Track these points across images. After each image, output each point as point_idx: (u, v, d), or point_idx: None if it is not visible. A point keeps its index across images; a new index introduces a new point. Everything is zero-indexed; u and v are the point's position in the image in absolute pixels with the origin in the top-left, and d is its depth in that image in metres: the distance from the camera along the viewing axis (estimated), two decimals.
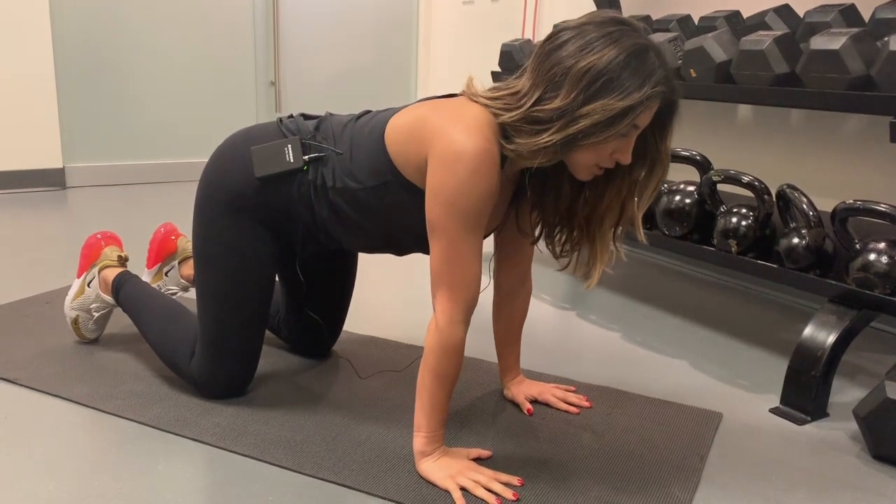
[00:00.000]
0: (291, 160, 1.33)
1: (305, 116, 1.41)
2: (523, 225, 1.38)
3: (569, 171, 1.24)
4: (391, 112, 1.31)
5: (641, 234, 1.27)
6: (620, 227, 1.30)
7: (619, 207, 1.27)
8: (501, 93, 1.18)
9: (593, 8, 2.78)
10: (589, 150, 1.14)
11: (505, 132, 1.16)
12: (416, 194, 1.23)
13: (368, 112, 1.38)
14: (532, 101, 1.13)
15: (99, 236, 1.77)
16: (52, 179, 3.48)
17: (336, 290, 1.66)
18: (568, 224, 1.33)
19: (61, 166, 3.50)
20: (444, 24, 4.14)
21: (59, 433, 1.34)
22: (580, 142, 1.12)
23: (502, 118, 1.15)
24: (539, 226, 1.37)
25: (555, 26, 1.20)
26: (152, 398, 1.47)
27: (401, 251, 1.42)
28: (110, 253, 1.73)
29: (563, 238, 1.35)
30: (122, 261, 1.73)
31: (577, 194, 1.30)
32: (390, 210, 1.29)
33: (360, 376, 1.55)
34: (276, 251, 1.42)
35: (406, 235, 1.33)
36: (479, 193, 1.14)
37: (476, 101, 1.20)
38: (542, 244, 1.40)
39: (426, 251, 1.25)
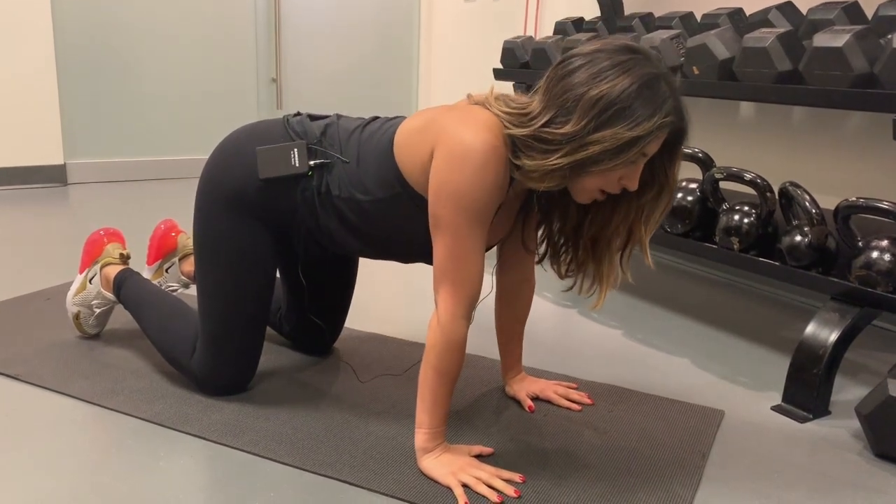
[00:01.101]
0: (297, 164, 1.32)
1: (312, 117, 1.40)
2: (528, 241, 1.38)
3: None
4: (399, 120, 1.31)
5: (649, 258, 1.27)
6: (628, 250, 1.30)
7: (627, 231, 1.27)
8: (512, 109, 1.17)
9: (595, 6, 2.77)
10: (596, 176, 1.14)
11: (514, 145, 1.16)
12: (423, 206, 1.22)
13: (377, 119, 1.37)
14: (542, 122, 1.12)
15: (101, 233, 1.77)
16: (53, 176, 3.48)
17: (337, 293, 1.66)
18: (574, 244, 1.33)
19: (62, 163, 3.49)
20: (446, 20, 4.14)
21: (61, 429, 1.34)
22: (589, 168, 1.12)
23: (511, 131, 1.15)
24: (544, 244, 1.37)
25: (564, 50, 1.19)
26: (154, 394, 1.47)
27: (405, 260, 1.42)
28: (112, 250, 1.73)
29: (569, 258, 1.35)
30: (124, 258, 1.73)
31: (583, 217, 1.30)
32: (397, 221, 1.29)
33: (360, 380, 1.55)
34: (276, 250, 1.42)
35: (411, 246, 1.33)
36: (486, 188, 1.14)
37: (488, 109, 1.20)
38: (545, 263, 1.40)
39: (430, 262, 1.25)
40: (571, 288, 1.36)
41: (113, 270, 1.69)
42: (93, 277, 1.71)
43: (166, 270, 1.85)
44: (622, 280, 1.33)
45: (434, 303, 1.21)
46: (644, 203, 1.24)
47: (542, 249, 1.38)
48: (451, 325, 1.18)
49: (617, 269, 1.31)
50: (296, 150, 1.33)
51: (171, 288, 1.84)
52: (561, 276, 1.36)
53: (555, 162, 1.11)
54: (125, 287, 1.64)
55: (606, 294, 1.31)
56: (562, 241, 1.34)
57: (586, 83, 1.09)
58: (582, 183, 1.17)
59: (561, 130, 1.10)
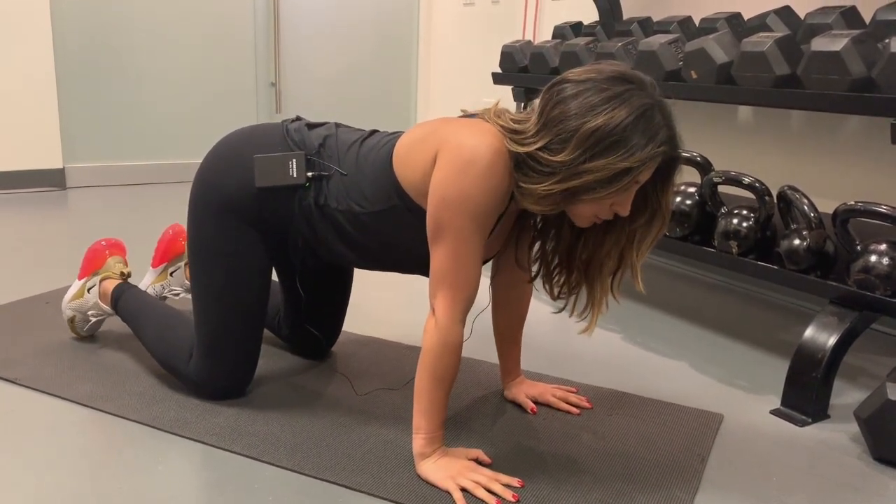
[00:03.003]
0: (294, 175, 1.33)
1: (310, 125, 1.41)
2: (521, 259, 1.38)
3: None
4: (399, 135, 1.31)
5: (640, 284, 1.27)
6: (619, 275, 1.29)
7: (619, 255, 1.27)
8: (510, 124, 1.17)
9: (594, 11, 2.78)
10: (589, 203, 1.15)
11: (515, 159, 1.16)
12: (422, 218, 1.22)
13: (376, 132, 1.38)
14: (537, 146, 1.13)
15: (104, 243, 1.78)
16: (52, 180, 3.48)
17: (334, 302, 1.67)
18: (567, 266, 1.33)
19: (61, 167, 3.49)
20: (445, 25, 4.14)
21: (59, 433, 1.34)
22: (581, 195, 1.12)
23: (510, 147, 1.15)
24: (538, 263, 1.37)
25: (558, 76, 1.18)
26: (152, 398, 1.47)
27: (403, 271, 1.42)
28: (113, 265, 1.75)
29: (562, 280, 1.35)
30: (124, 276, 1.74)
31: (576, 239, 1.30)
32: (395, 234, 1.29)
33: (357, 393, 1.54)
34: (271, 255, 1.42)
35: (409, 258, 1.33)
36: (491, 193, 1.14)
37: (488, 122, 1.20)
38: (538, 283, 1.39)
39: (426, 274, 1.25)
40: (563, 309, 1.36)
41: (111, 284, 1.70)
42: (91, 287, 1.71)
43: (171, 274, 1.85)
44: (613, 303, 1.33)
45: (430, 307, 1.21)
46: (636, 228, 1.24)
47: (535, 268, 1.38)
48: (448, 328, 1.18)
49: (609, 294, 1.31)
50: (294, 160, 1.33)
51: (174, 292, 1.85)
52: (553, 298, 1.36)
53: (548, 187, 1.12)
54: (122, 300, 1.65)
55: (597, 320, 1.31)
56: (555, 261, 1.34)
57: (583, 115, 1.09)
58: (575, 209, 1.18)
59: (555, 158, 1.11)
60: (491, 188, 1.14)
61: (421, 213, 1.23)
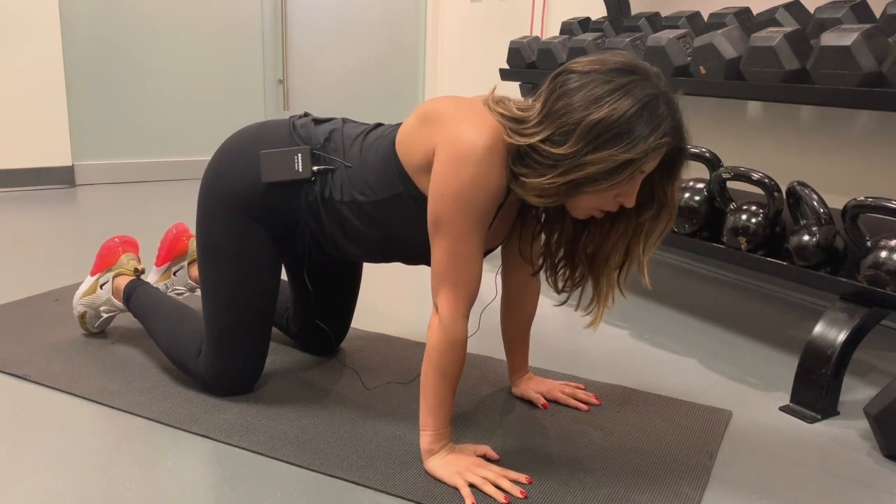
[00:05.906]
0: (300, 170, 1.33)
1: (317, 121, 1.41)
2: (525, 250, 1.37)
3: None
4: (401, 124, 1.31)
5: (647, 279, 1.25)
6: (626, 269, 1.28)
7: (625, 249, 1.26)
8: (512, 114, 1.16)
9: (602, 6, 2.77)
10: (592, 195, 1.14)
11: (515, 151, 1.15)
12: (424, 205, 1.22)
13: (380, 126, 1.37)
14: (539, 138, 1.12)
15: (117, 240, 1.79)
16: (61, 177, 3.50)
17: (343, 298, 1.67)
18: (571, 260, 1.32)
19: (70, 164, 3.51)
20: (452, 21, 4.14)
21: (68, 429, 1.35)
22: (584, 187, 1.12)
23: (510, 139, 1.14)
24: (542, 256, 1.36)
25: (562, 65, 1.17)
26: (161, 394, 1.48)
27: (407, 262, 1.42)
28: (127, 262, 1.76)
29: (566, 273, 1.34)
30: (137, 273, 1.75)
31: (581, 231, 1.29)
32: (398, 223, 1.29)
33: (366, 387, 1.55)
34: (279, 252, 1.42)
35: (413, 249, 1.33)
36: (487, 188, 1.14)
37: (491, 111, 1.19)
38: (541, 276, 1.39)
39: (430, 264, 1.25)
40: (565, 302, 1.35)
41: (124, 280, 1.71)
42: (104, 284, 1.73)
43: (174, 273, 1.86)
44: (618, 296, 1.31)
45: (433, 304, 1.21)
46: (643, 222, 1.23)
47: (540, 261, 1.37)
48: (452, 325, 1.18)
49: (615, 289, 1.30)
50: (300, 154, 1.33)
51: (177, 291, 1.86)
52: (557, 291, 1.35)
53: (550, 180, 1.11)
54: (134, 296, 1.66)
55: (603, 314, 1.30)
56: (560, 254, 1.33)
57: (586, 107, 1.08)
58: (578, 201, 1.17)
59: (557, 151, 1.10)
60: (486, 185, 1.13)
61: (423, 200, 1.23)
